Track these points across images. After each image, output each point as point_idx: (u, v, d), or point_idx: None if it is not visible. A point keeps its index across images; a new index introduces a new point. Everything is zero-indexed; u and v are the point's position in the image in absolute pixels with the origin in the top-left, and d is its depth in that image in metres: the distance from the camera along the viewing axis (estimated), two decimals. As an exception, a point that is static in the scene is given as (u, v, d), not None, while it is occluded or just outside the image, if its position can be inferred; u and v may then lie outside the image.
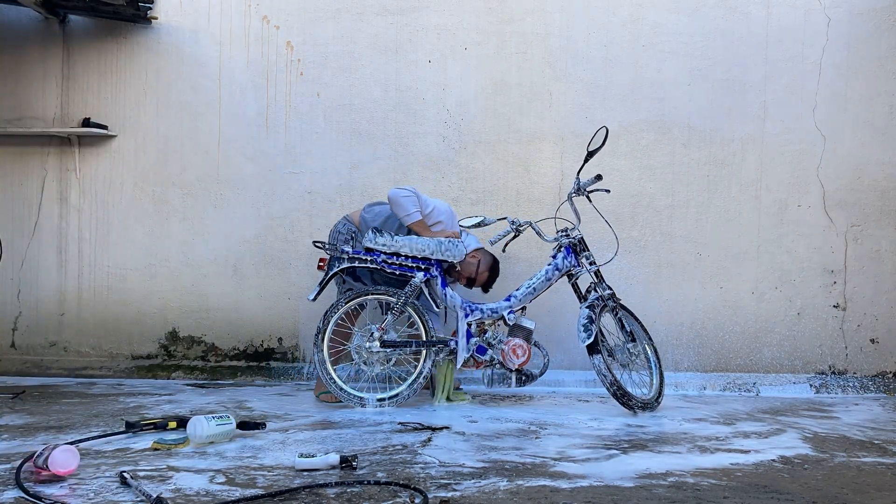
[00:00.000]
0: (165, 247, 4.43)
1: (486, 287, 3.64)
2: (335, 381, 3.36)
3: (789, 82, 4.27)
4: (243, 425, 2.54)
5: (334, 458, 2.20)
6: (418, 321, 3.45)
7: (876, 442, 2.81)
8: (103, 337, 4.44)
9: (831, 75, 4.27)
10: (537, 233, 3.53)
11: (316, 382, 3.67)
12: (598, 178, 3.42)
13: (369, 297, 3.46)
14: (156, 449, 2.44)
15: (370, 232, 3.44)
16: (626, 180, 4.27)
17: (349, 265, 3.43)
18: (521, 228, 3.53)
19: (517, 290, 3.49)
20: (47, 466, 1.94)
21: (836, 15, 4.26)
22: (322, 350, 3.38)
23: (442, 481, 2.10)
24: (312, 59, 4.40)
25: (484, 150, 4.32)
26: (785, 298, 4.25)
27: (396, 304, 3.38)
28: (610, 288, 3.46)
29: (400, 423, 2.97)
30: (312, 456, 2.23)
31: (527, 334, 3.37)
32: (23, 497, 1.83)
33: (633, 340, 3.46)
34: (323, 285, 3.50)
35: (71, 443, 2.11)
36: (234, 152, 4.40)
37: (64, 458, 2.00)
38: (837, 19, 4.27)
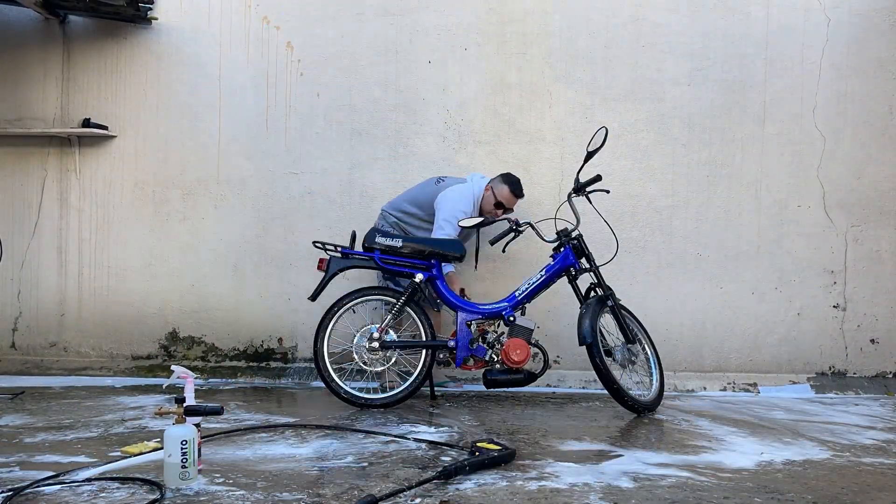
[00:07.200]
0: (165, 247, 4.43)
1: (517, 193, 3.81)
2: (335, 380, 3.36)
3: (789, 82, 4.27)
4: (194, 411, 2.08)
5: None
6: (418, 321, 3.45)
7: (876, 442, 2.81)
8: (103, 337, 4.44)
9: (831, 75, 4.26)
10: (537, 233, 3.53)
11: None
12: (598, 178, 3.42)
13: (370, 297, 3.46)
14: (156, 450, 2.44)
15: (370, 231, 3.44)
16: (626, 180, 4.27)
17: (348, 265, 3.43)
18: (520, 228, 3.53)
19: (517, 289, 3.49)
20: None
21: (836, 15, 4.26)
22: (323, 348, 3.38)
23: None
24: (312, 59, 4.40)
25: (484, 151, 4.32)
26: (785, 299, 4.25)
27: (395, 304, 3.38)
28: (610, 288, 3.46)
29: (399, 424, 2.98)
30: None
31: (526, 334, 3.37)
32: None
33: (633, 341, 3.46)
34: (323, 285, 3.50)
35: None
36: (234, 152, 4.40)
37: None
38: (837, 19, 4.26)
